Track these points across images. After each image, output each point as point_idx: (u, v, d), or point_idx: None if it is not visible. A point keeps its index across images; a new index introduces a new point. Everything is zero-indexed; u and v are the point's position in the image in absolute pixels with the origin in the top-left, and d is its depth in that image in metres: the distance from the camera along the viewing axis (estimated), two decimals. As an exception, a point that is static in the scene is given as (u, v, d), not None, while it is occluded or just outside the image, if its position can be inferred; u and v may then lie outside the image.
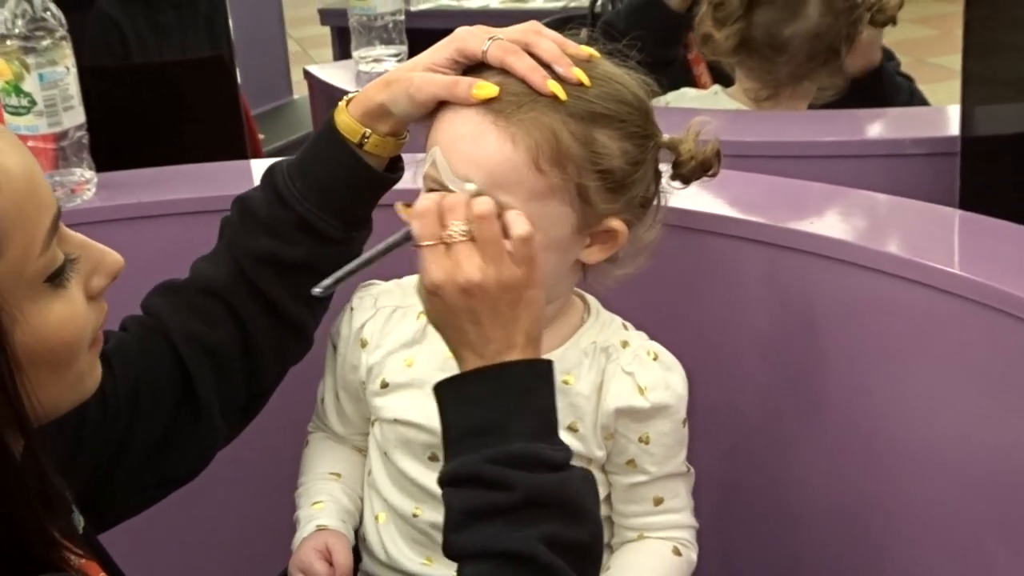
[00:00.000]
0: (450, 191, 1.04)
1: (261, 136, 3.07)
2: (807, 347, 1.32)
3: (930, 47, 5.67)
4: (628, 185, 1.09)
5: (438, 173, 1.06)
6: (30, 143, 1.44)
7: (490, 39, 1.07)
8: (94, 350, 0.89)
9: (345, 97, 1.15)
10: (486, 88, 1.05)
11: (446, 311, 0.99)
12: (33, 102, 1.43)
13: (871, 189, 1.40)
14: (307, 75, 2.23)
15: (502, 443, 0.95)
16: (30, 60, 1.42)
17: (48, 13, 1.43)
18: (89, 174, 1.51)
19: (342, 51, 3.44)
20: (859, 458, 1.31)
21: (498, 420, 0.96)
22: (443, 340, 1.02)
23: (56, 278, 0.82)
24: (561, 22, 3.00)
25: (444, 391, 0.99)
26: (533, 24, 1.09)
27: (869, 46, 1.88)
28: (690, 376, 1.20)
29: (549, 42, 1.07)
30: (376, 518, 1.24)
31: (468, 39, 1.08)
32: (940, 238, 1.30)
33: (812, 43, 1.77)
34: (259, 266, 1.13)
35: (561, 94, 1.04)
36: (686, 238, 1.36)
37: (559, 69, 1.05)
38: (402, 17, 1.96)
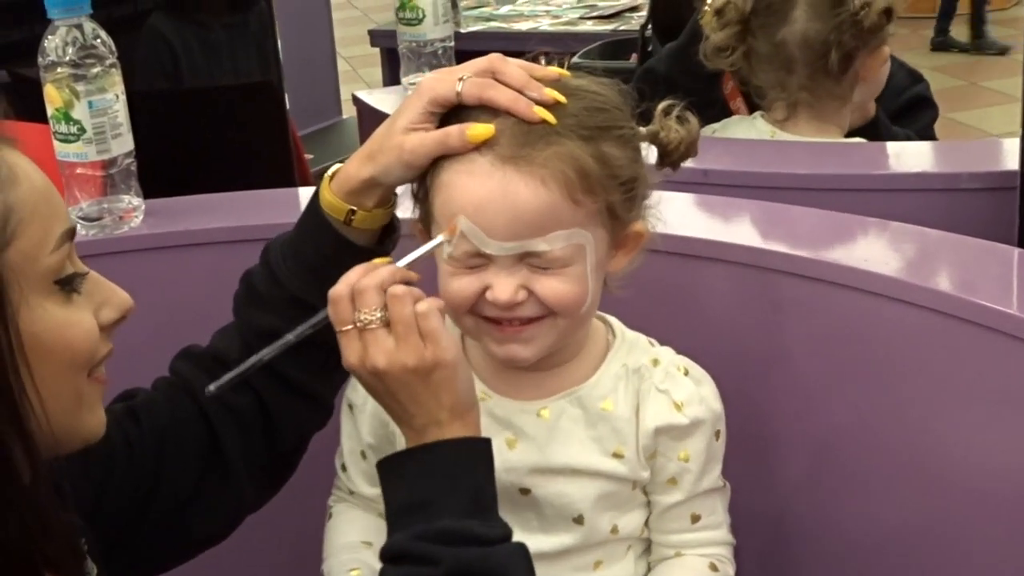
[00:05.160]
0: (486, 255, 1.05)
1: (309, 156, 3.07)
2: (855, 384, 1.30)
3: (984, 71, 5.62)
4: (640, 187, 1.10)
5: (472, 245, 1.05)
6: (79, 170, 1.45)
7: (459, 80, 1.06)
8: (97, 385, 0.91)
9: (329, 171, 1.13)
10: (480, 129, 1.04)
11: (369, 390, 1.04)
12: (82, 129, 1.43)
13: (926, 224, 1.37)
14: (355, 100, 2.22)
15: (430, 520, 0.98)
16: (80, 87, 1.42)
17: (98, 40, 1.43)
18: (137, 201, 1.51)
19: (392, 72, 3.44)
20: (905, 497, 1.28)
21: (427, 498, 0.99)
22: None
23: (66, 285, 0.86)
24: (611, 45, 3.02)
25: (383, 468, 1.03)
26: (494, 55, 1.08)
27: (873, 85, 1.86)
28: (733, 410, 1.20)
29: (516, 68, 1.07)
30: None
31: (437, 86, 1.07)
32: (997, 276, 1.27)
33: (803, 50, 1.77)
34: (263, 341, 1.10)
35: (550, 119, 1.04)
36: (733, 272, 1.35)
37: (532, 93, 1.05)
38: (452, 43, 1.95)
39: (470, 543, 0.98)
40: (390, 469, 1.03)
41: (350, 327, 1.01)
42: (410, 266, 1.05)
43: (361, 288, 1.01)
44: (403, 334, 1.00)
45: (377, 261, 1.05)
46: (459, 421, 1.02)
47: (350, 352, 1.02)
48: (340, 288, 1.02)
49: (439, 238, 1.06)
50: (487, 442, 1.04)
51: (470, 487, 1.01)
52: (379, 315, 1.00)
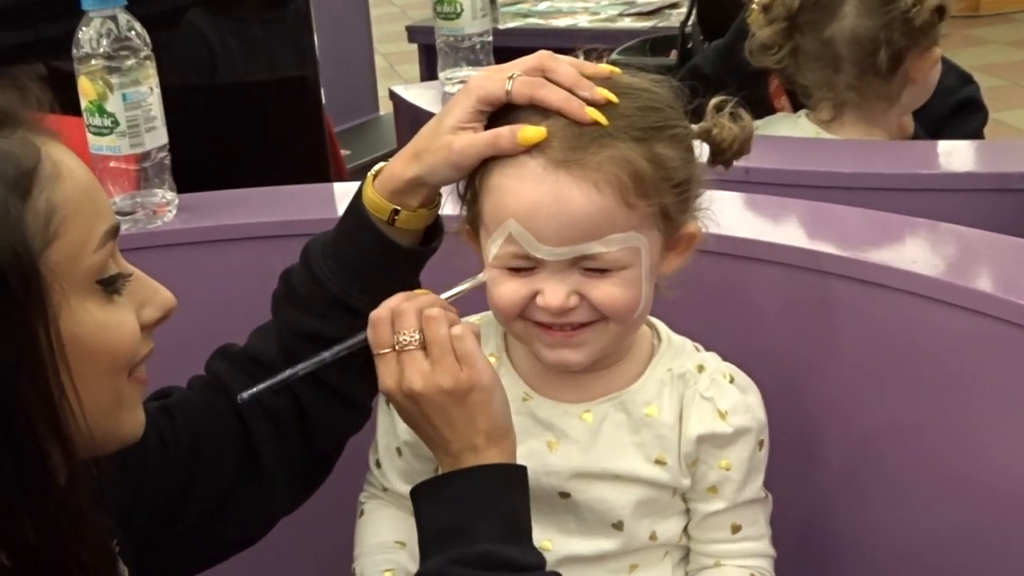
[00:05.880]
0: (536, 260, 1.03)
1: (346, 152, 3.07)
2: (901, 387, 1.27)
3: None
4: (694, 187, 1.07)
5: (521, 248, 1.03)
6: (112, 163, 1.44)
7: (509, 78, 1.03)
8: (137, 384, 0.89)
9: (372, 170, 1.11)
10: (532, 132, 1.01)
11: (405, 415, 1.04)
12: (116, 122, 1.41)
13: (977, 225, 1.34)
14: (392, 95, 2.20)
15: (467, 545, 0.97)
16: (114, 80, 1.40)
17: (133, 32, 1.41)
18: (170, 195, 1.49)
19: (429, 68, 3.44)
20: (944, 502, 1.26)
21: (464, 523, 0.99)
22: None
23: (109, 285, 0.84)
24: (650, 42, 3.00)
25: (419, 493, 1.03)
26: (543, 52, 1.05)
27: (922, 87, 1.82)
28: (774, 411, 1.18)
29: (566, 66, 1.04)
30: None
31: (486, 85, 1.04)
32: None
33: (852, 47, 1.74)
34: (302, 342, 1.09)
35: (602, 120, 1.01)
36: (778, 272, 1.33)
37: (583, 93, 1.02)
38: (490, 38, 1.94)
39: (507, 569, 0.97)
40: (425, 494, 1.02)
41: (388, 350, 1.02)
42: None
43: (401, 311, 1.01)
44: (439, 356, 1.00)
45: (417, 292, 1.06)
46: (495, 447, 1.01)
47: (387, 375, 1.02)
48: (381, 311, 1.02)
49: (481, 276, 1.06)
50: (523, 469, 1.03)
51: (506, 513, 1.00)
52: (417, 336, 1.01)
